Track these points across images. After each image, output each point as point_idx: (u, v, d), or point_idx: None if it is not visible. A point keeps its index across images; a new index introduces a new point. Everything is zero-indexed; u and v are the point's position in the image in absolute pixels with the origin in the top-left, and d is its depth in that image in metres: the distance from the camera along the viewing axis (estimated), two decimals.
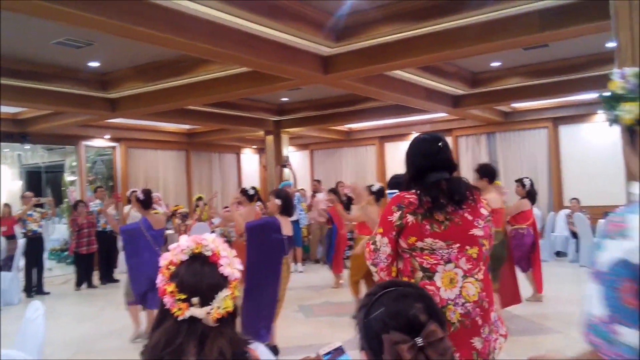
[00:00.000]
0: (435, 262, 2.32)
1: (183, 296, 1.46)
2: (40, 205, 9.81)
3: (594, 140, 11.26)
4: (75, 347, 6.05)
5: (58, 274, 11.31)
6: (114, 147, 12.88)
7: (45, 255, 9.82)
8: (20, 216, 9.17)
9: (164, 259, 1.54)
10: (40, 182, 14.01)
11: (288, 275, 5.41)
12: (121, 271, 10.14)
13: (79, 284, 9.70)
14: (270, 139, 12.97)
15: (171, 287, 1.48)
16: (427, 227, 2.31)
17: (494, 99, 10.01)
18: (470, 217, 2.37)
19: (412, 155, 2.52)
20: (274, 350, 5.23)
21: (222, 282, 1.50)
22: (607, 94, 1.34)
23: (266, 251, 5.17)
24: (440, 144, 2.46)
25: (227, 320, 1.49)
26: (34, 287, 9.24)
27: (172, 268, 1.52)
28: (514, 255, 6.54)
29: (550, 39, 6.33)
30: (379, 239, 2.42)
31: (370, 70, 7.01)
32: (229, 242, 2.23)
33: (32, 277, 9.24)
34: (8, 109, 9.73)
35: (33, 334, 3.39)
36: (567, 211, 11.01)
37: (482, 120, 12.35)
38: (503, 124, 12.66)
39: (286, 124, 12.55)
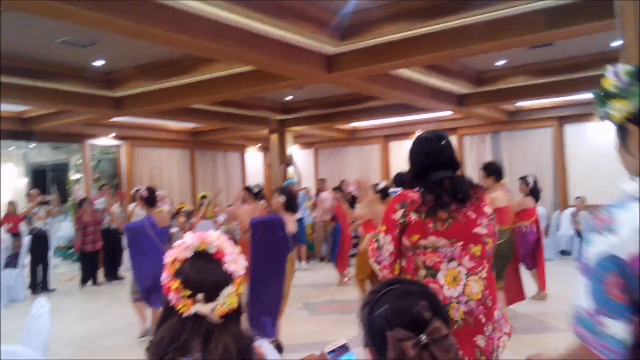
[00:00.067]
0: (439, 260, 2.32)
1: (188, 293, 1.47)
2: (46, 203, 9.85)
3: (599, 139, 11.21)
4: (80, 344, 6.08)
5: (63, 271, 11.36)
6: (118, 146, 12.91)
7: (51, 252, 9.84)
8: (26, 214, 9.21)
9: (169, 256, 1.55)
10: (46, 180, 14.07)
11: (292, 272, 5.42)
12: (126, 268, 10.17)
13: (84, 281, 9.73)
14: (274, 137, 12.97)
15: (176, 284, 1.49)
16: (430, 225, 2.31)
17: (498, 97, 9.98)
18: (473, 216, 2.37)
19: (415, 153, 2.52)
20: (278, 347, 5.24)
21: (227, 279, 1.51)
22: (599, 91, 1.36)
23: (271, 248, 5.17)
24: (443, 142, 2.46)
25: (231, 317, 1.50)
26: (39, 284, 9.27)
27: (177, 265, 1.53)
28: (519, 253, 6.54)
29: (556, 38, 6.31)
30: (382, 237, 2.42)
31: (374, 69, 7.00)
32: (233, 239, 2.23)
33: (37, 274, 9.28)
34: (14, 108, 9.77)
35: (38, 330, 3.41)
36: (572, 210, 11.01)
37: (487, 119, 12.32)
38: (508, 122, 12.62)
39: (290, 122, 12.55)
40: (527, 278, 6.67)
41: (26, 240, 9.09)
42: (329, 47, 6.59)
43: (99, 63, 7.67)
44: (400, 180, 4.82)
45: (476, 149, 13.31)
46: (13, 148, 12.86)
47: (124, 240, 8.60)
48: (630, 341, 1.21)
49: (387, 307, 1.21)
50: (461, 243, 2.32)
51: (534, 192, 6.98)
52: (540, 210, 9.79)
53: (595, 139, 11.40)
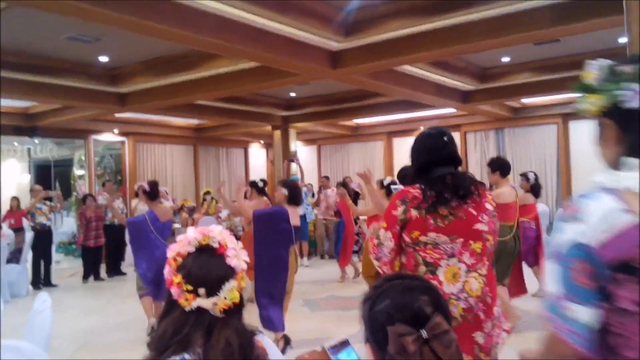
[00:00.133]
0: (439, 256, 2.31)
1: (190, 287, 1.47)
2: (49, 199, 9.87)
3: None
4: (82, 340, 6.09)
5: (66, 266, 11.40)
6: (122, 142, 12.93)
7: (54, 248, 9.87)
8: (29, 209, 9.23)
9: (172, 251, 1.55)
10: (50, 176, 14.12)
11: (296, 265, 5.42)
12: (128, 264, 10.20)
13: (86, 276, 9.75)
14: (278, 134, 12.97)
15: (178, 279, 1.49)
16: (431, 221, 2.30)
17: (503, 94, 9.96)
18: (474, 212, 2.36)
19: (417, 149, 2.51)
20: (287, 340, 5.24)
21: (229, 273, 1.52)
22: (579, 85, 1.39)
23: (275, 240, 5.16)
24: (445, 138, 2.45)
25: (233, 311, 1.50)
26: (41, 280, 9.30)
27: (180, 259, 1.53)
28: (522, 249, 6.54)
29: (562, 34, 6.28)
30: (383, 234, 2.42)
31: (379, 66, 6.99)
32: (235, 235, 2.23)
33: (40, 270, 9.30)
34: (18, 103, 9.79)
35: (40, 325, 3.41)
36: None
37: (491, 116, 12.29)
38: (512, 119, 12.58)
39: (294, 119, 12.55)
40: (529, 275, 6.66)
41: (29, 235, 9.11)
42: (334, 43, 6.58)
43: (103, 59, 7.69)
44: (403, 175, 4.80)
45: (480, 146, 13.29)
46: (17, 144, 12.92)
47: (127, 236, 8.61)
48: (596, 326, 1.25)
49: (389, 302, 1.20)
50: (461, 240, 2.32)
51: (535, 189, 7.01)
52: (544, 207, 9.76)
53: None
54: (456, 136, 2.15)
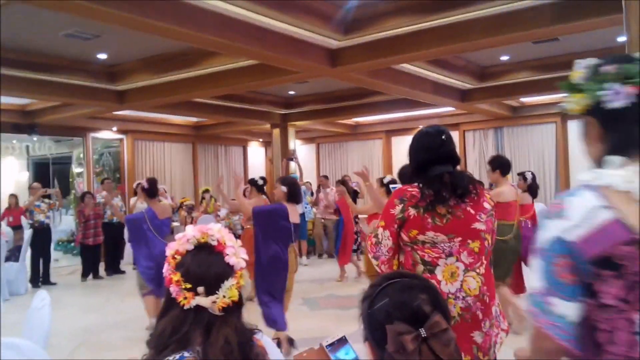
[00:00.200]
0: (437, 255, 2.31)
1: (189, 285, 1.47)
2: (48, 197, 9.87)
3: None
4: (81, 338, 6.09)
5: (64, 264, 11.39)
6: (121, 139, 12.91)
7: (52, 246, 9.86)
8: (28, 207, 9.22)
9: (170, 249, 1.55)
10: (48, 174, 14.08)
11: (295, 263, 5.41)
12: (127, 262, 10.21)
13: (85, 274, 9.75)
14: (276, 132, 12.97)
15: (177, 277, 1.49)
16: (429, 220, 2.29)
17: (502, 93, 9.96)
18: (472, 211, 2.36)
19: (415, 148, 2.50)
20: (290, 341, 5.22)
21: (228, 271, 1.52)
22: (565, 84, 1.42)
23: (275, 237, 5.16)
24: (443, 136, 2.44)
25: (232, 309, 1.49)
26: (40, 278, 9.29)
27: (178, 257, 1.53)
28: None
29: (561, 33, 6.28)
30: (381, 232, 2.41)
31: (378, 64, 6.98)
32: (234, 234, 2.23)
33: (38, 268, 9.29)
34: (17, 100, 9.77)
35: (39, 323, 3.41)
36: None
37: (489, 115, 12.29)
38: (511, 118, 12.58)
39: (293, 117, 12.54)
40: (528, 275, 6.66)
41: (28, 233, 9.10)
42: (333, 41, 6.58)
43: (102, 56, 7.67)
44: (404, 174, 4.80)
45: (478, 145, 13.29)
46: (15, 141, 12.89)
47: (126, 234, 8.61)
48: (579, 320, 1.27)
49: (388, 301, 1.20)
50: (460, 239, 2.31)
51: (532, 189, 7.01)
52: (542, 207, 9.76)
53: None
54: (455, 135, 2.15)
